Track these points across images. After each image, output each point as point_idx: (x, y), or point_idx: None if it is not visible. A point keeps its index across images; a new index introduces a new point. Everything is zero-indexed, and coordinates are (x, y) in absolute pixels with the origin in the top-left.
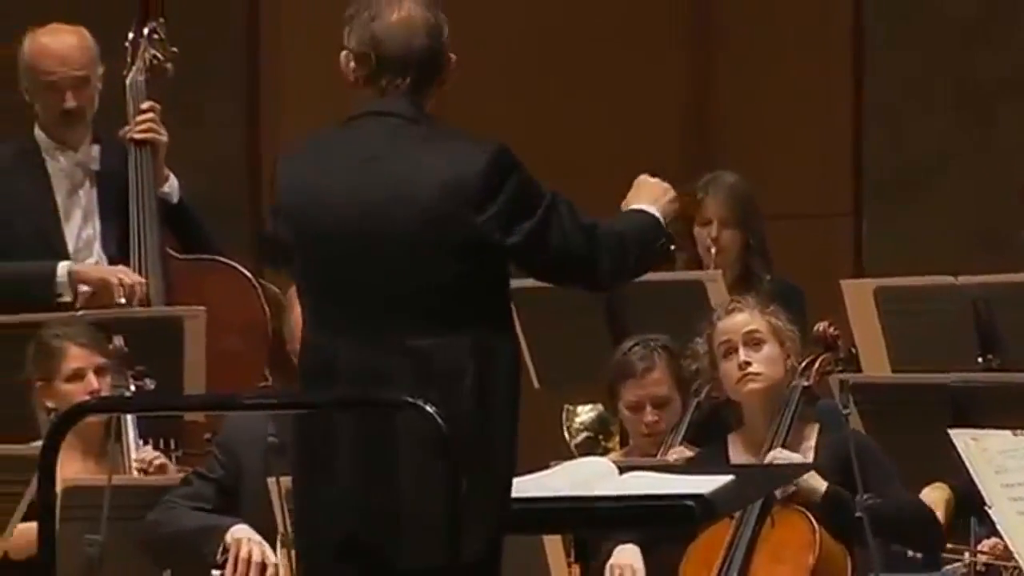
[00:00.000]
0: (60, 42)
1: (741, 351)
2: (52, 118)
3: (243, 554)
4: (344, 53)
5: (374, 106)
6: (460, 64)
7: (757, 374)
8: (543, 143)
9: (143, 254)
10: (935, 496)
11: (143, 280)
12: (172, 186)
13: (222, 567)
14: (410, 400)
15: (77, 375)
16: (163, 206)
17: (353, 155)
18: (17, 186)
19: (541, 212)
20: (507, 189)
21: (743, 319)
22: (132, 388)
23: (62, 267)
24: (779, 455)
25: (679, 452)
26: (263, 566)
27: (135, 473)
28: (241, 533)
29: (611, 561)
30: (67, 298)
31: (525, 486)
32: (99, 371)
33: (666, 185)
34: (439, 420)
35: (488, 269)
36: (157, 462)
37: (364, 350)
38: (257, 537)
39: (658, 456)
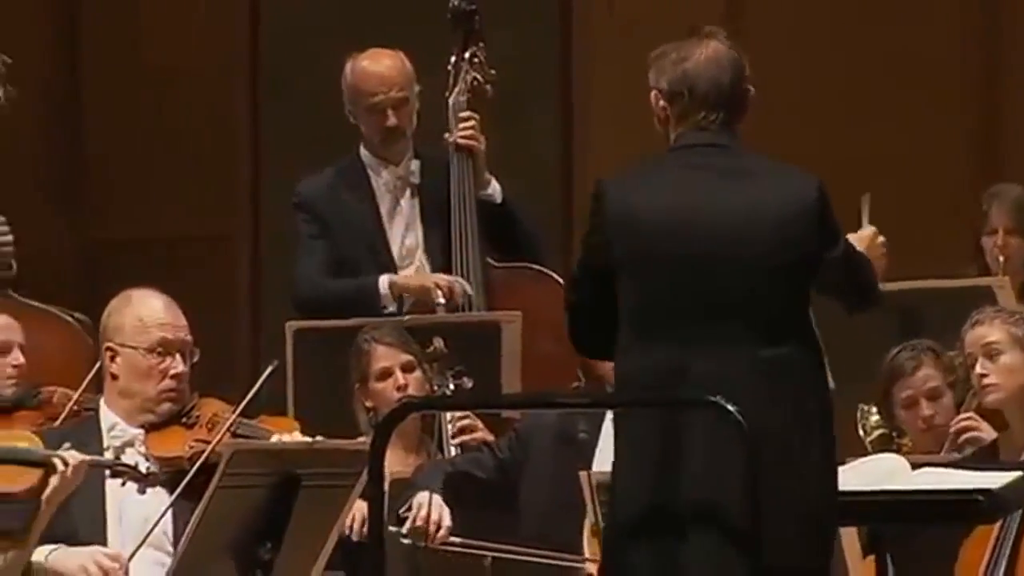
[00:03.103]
0: (380, 65)
1: (979, 363)
2: (375, 137)
3: (423, 512)
4: (654, 94)
5: (697, 139)
6: (769, 94)
7: (993, 385)
8: (841, 167)
9: (465, 259)
10: None
11: (458, 279)
12: (494, 188)
13: (400, 524)
14: (712, 399)
15: (385, 373)
16: (487, 208)
17: (691, 183)
18: (344, 201)
19: (844, 239)
20: (830, 214)
21: (981, 332)
22: (451, 387)
23: (383, 281)
24: None
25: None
26: (438, 527)
27: (451, 439)
28: (427, 497)
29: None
30: (391, 309)
31: None
32: (406, 368)
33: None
34: (739, 418)
35: (809, 284)
36: (463, 423)
37: (717, 362)
38: (439, 502)
39: (943, 450)
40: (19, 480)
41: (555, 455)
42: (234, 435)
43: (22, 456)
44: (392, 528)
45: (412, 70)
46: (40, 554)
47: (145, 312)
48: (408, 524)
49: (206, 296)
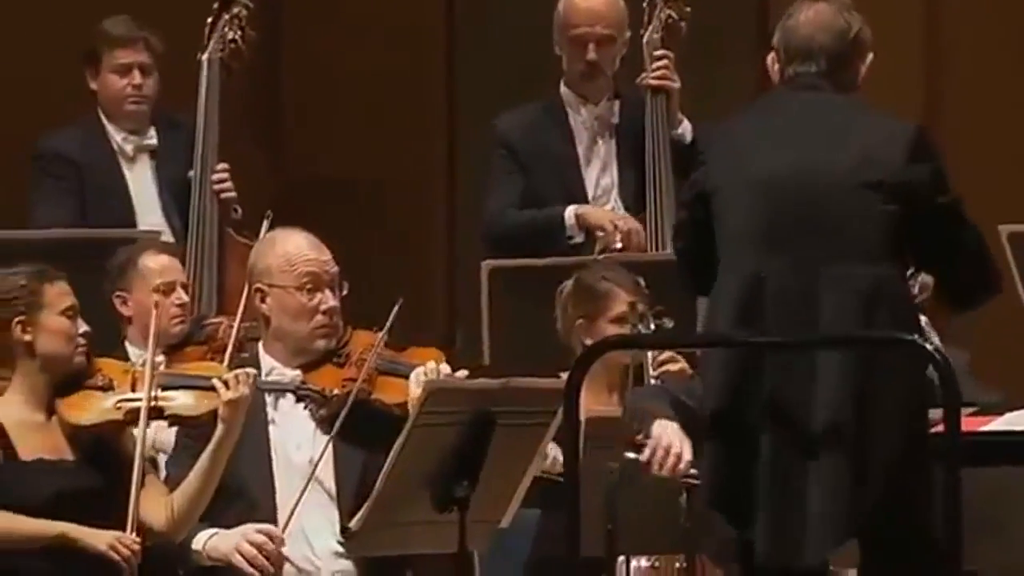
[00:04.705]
0: (593, 1)
1: None
2: (575, 71)
3: (664, 442)
4: (770, 56)
5: (790, 83)
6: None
7: None
8: None
9: (659, 198)
10: None
11: (639, 228)
12: (685, 128)
13: (639, 450)
14: (909, 338)
15: (622, 318)
16: (677, 147)
17: (781, 112)
18: (542, 138)
19: (953, 196)
20: (929, 155)
21: None
22: (652, 326)
23: (569, 212)
24: None
25: None
26: (679, 459)
27: (651, 371)
28: (664, 427)
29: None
30: (578, 240)
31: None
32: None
33: None
34: (938, 357)
35: (905, 214)
36: (676, 367)
37: (801, 281)
38: (680, 434)
39: None
40: (199, 406)
41: None
42: (378, 372)
43: (198, 383)
44: (630, 455)
45: (625, 13)
46: (198, 542)
47: (290, 249)
48: (647, 452)
49: (403, 237)
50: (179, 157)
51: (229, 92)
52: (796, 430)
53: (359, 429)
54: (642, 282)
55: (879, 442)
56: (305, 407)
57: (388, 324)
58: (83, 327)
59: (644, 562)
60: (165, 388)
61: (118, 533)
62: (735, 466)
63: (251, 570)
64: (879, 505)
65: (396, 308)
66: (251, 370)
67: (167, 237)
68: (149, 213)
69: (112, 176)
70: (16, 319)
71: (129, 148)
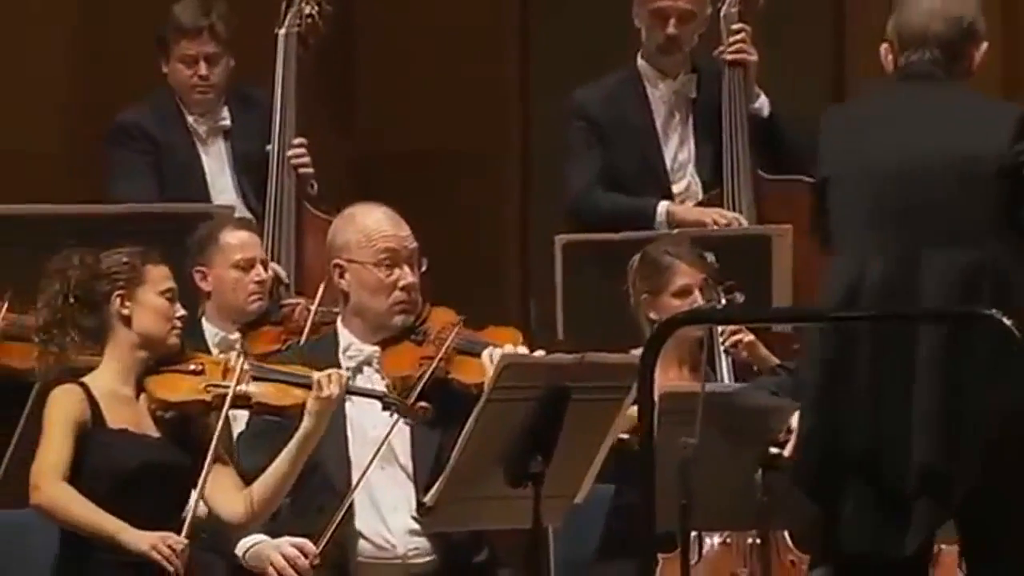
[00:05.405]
0: None
1: None
2: (653, 45)
3: None
4: (884, 46)
5: (903, 73)
6: None
7: None
8: None
9: (736, 173)
10: None
11: (737, 215)
12: (762, 102)
13: (782, 445)
14: (987, 313)
15: (685, 291)
16: (754, 121)
17: (890, 103)
18: (621, 111)
19: None
20: None
21: None
22: (723, 302)
23: (661, 209)
24: None
25: None
26: None
27: (723, 359)
28: None
29: None
30: None
31: None
32: (700, 287)
33: None
34: (1016, 333)
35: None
36: (747, 339)
37: (905, 273)
38: None
39: None
40: (285, 398)
41: None
42: (457, 351)
43: (290, 378)
44: (774, 451)
45: None
46: (241, 548)
47: (369, 224)
48: (792, 446)
49: (476, 212)
50: (254, 134)
51: (304, 67)
52: (893, 412)
53: (436, 408)
54: (712, 257)
55: (976, 424)
56: (390, 415)
57: (460, 320)
58: (180, 311)
59: (716, 538)
60: (255, 379)
61: (164, 534)
62: (828, 447)
63: None
64: (977, 487)
65: (456, 328)
66: (343, 371)
67: (241, 215)
68: (224, 193)
69: (188, 156)
70: (116, 293)
71: (202, 130)
